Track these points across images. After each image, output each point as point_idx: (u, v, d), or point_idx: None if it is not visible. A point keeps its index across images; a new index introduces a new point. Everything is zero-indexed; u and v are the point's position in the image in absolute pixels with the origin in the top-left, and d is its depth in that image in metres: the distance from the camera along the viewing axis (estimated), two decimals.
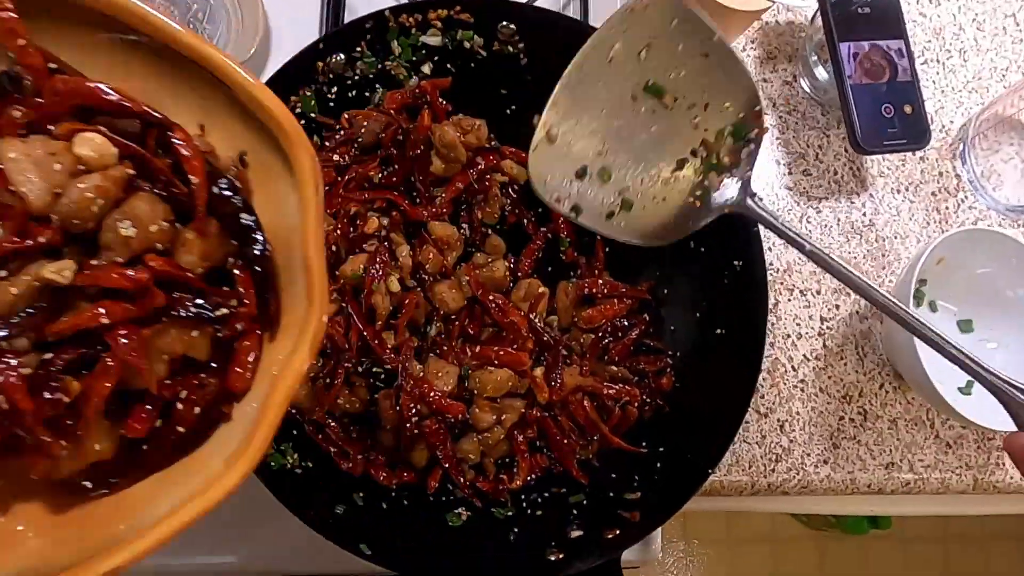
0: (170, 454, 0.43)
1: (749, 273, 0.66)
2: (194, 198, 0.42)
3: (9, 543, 0.40)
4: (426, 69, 0.69)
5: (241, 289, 0.43)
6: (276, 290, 0.44)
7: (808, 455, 0.80)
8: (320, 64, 0.63)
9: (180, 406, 0.42)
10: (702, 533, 1.87)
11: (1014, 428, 0.76)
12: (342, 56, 0.64)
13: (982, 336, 0.83)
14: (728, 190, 0.45)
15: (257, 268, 0.43)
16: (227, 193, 0.43)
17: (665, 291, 0.71)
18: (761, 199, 0.45)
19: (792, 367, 0.82)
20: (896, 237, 0.87)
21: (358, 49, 0.65)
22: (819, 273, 0.85)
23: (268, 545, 0.67)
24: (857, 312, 0.85)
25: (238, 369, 0.43)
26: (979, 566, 1.95)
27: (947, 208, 0.89)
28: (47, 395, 0.38)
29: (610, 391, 0.66)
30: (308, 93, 0.64)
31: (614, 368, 0.68)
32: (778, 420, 0.80)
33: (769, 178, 0.87)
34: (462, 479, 0.63)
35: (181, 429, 0.42)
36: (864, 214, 0.88)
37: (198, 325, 0.42)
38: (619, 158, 0.45)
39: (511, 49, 0.69)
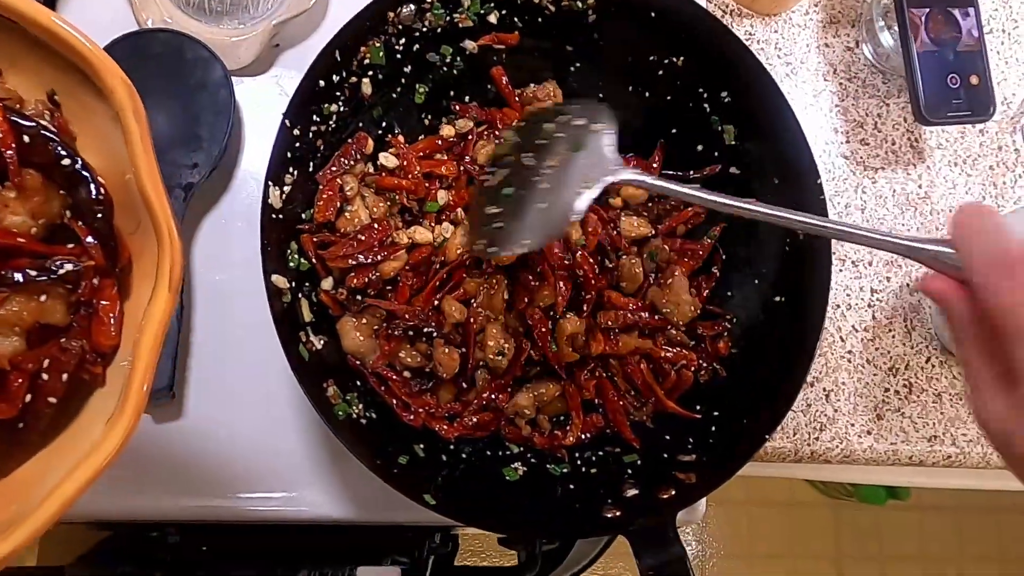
0: (49, 428, 0.41)
1: (812, 241, 0.65)
2: (1, 152, 0.38)
3: None
4: (492, 19, 0.68)
5: (86, 241, 0.40)
6: (122, 236, 0.42)
7: (852, 425, 0.80)
8: (391, 15, 0.63)
9: (46, 376, 0.40)
10: (719, 495, 1.89)
11: None
12: (412, 7, 0.63)
13: None
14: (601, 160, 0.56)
15: (97, 216, 0.40)
16: (41, 140, 0.39)
17: (724, 256, 0.71)
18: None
19: (840, 337, 0.82)
20: (951, 211, 0.86)
21: (428, 0, 0.64)
22: None
23: (330, 494, 0.68)
24: (908, 284, 0.84)
25: (100, 326, 0.41)
26: (991, 537, 1.98)
27: (1004, 183, 0.88)
28: None
29: (667, 354, 0.66)
30: (377, 44, 0.63)
31: (672, 331, 0.68)
32: (824, 389, 0.81)
33: (827, 146, 0.86)
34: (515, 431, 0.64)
35: (53, 400, 0.40)
36: (920, 186, 0.86)
37: (45, 289, 0.40)
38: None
39: (580, 5, 0.68)
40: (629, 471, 0.64)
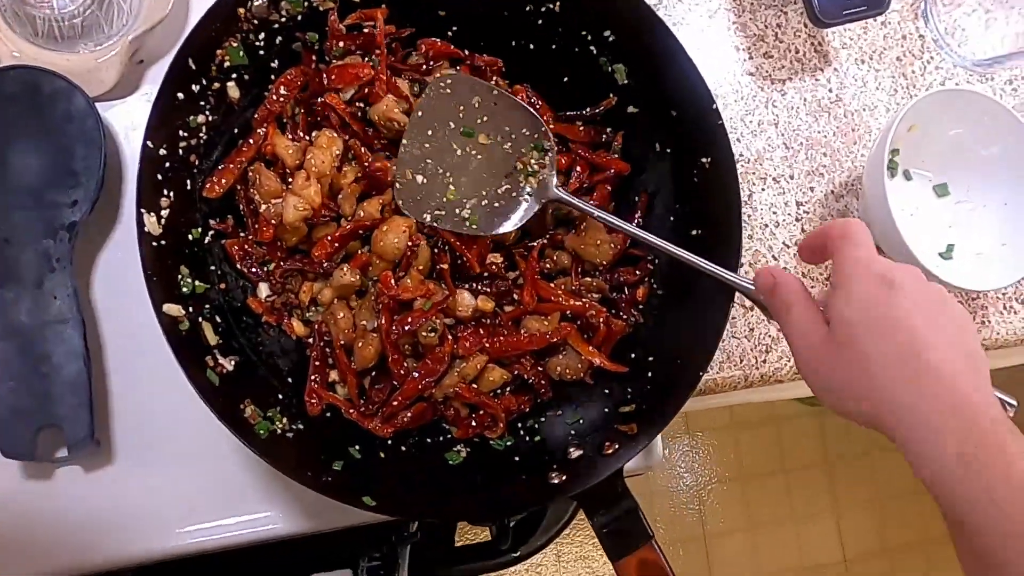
0: None
1: (718, 168, 0.64)
2: None
3: None
4: None
5: None
6: None
7: None
8: (242, 11, 0.59)
9: None
10: (705, 425, 1.92)
11: (995, 286, 0.76)
12: None
13: (959, 199, 0.83)
14: (543, 186, 0.64)
15: None
16: None
17: (636, 199, 0.70)
18: (562, 186, 0.66)
19: (772, 256, 0.81)
20: (865, 109, 0.85)
21: None
22: (790, 158, 0.83)
23: (283, 510, 0.67)
24: (832, 192, 0.84)
25: None
26: None
27: (913, 72, 0.87)
28: None
29: (591, 310, 0.65)
30: (235, 44, 0.60)
31: (588, 280, 0.67)
32: None
33: (730, 66, 0.84)
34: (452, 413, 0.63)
35: None
36: (830, 90, 0.85)
37: None
38: (464, 188, 0.64)
39: None
40: (572, 432, 0.63)
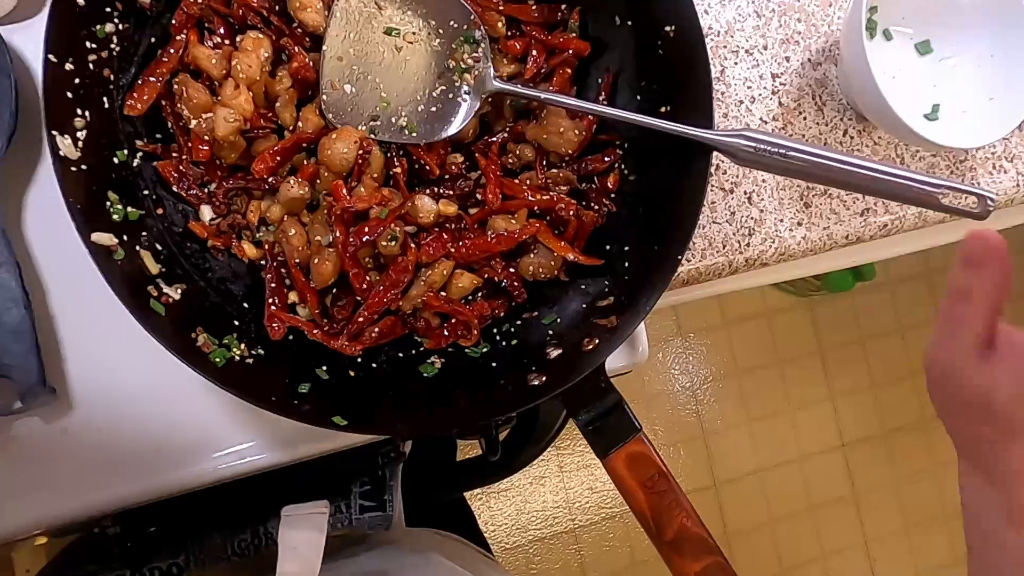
0: None
1: (683, 35, 0.59)
2: None
3: None
4: None
5: None
6: None
7: (781, 221, 0.77)
8: None
9: None
10: (696, 325, 1.90)
11: (985, 141, 0.72)
12: None
13: (942, 55, 0.78)
14: (481, 81, 0.60)
15: None
16: None
17: (600, 80, 0.65)
18: (503, 78, 0.62)
19: None
20: None
21: None
22: (763, 27, 0.78)
23: (263, 439, 0.65)
24: (809, 60, 0.78)
25: None
26: None
27: None
28: None
29: (560, 203, 0.61)
30: None
31: (555, 172, 0.63)
32: (744, 193, 0.76)
33: None
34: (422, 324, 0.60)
35: None
36: None
37: None
38: (397, 95, 0.59)
39: None
40: (550, 332, 0.60)
